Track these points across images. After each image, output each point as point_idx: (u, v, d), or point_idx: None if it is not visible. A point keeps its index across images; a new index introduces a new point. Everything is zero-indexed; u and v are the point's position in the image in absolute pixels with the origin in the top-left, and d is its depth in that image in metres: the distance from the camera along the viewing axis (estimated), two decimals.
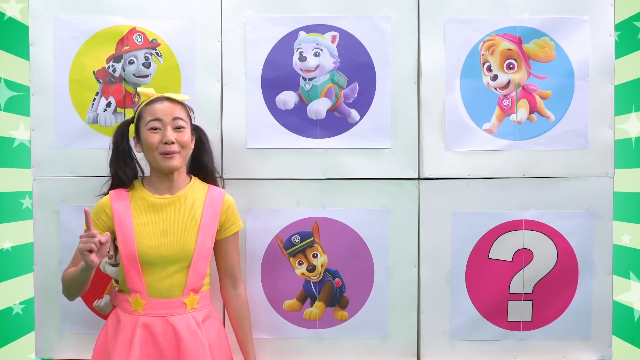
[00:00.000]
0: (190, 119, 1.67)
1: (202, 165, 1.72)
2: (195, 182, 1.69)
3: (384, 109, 1.88)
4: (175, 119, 1.58)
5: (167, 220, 1.59)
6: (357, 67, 1.88)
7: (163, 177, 1.62)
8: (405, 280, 1.90)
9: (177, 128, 1.58)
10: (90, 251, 1.42)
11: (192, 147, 1.68)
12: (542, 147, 1.88)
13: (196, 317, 1.59)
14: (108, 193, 1.64)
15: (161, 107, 1.58)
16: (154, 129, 1.56)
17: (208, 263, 1.64)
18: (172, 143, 1.56)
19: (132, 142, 1.66)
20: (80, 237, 1.44)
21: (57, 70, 1.90)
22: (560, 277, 1.89)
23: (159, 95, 1.64)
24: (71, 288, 1.60)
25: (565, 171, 1.89)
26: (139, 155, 1.69)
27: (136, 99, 1.90)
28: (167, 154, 1.55)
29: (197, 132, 1.72)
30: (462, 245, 1.89)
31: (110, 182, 1.69)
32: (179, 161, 1.59)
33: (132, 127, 1.65)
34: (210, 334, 1.62)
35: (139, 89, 1.69)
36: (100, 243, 1.43)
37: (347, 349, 1.91)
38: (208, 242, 1.62)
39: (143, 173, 1.72)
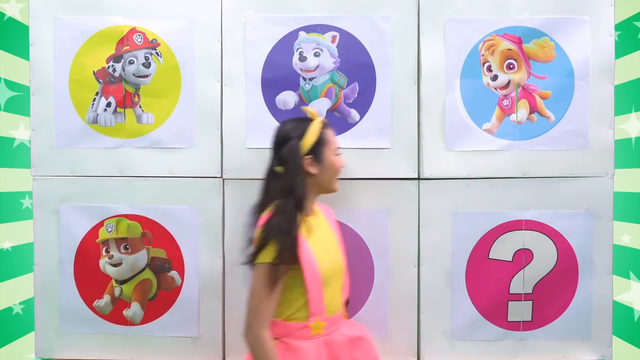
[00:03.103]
0: None
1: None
2: None
3: (384, 109, 1.88)
4: None
5: (323, 239, 1.59)
6: (357, 67, 1.88)
7: (315, 198, 1.64)
8: (405, 280, 1.90)
9: None
10: None
11: None
12: (542, 147, 1.88)
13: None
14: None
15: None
16: (337, 155, 1.64)
17: None
18: None
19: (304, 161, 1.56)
20: None
21: (57, 70, 1.91)
22: (560, 277, 1.89)
23: (323, 119, 1.64)
24: None
25: (565, 171, 1.89)
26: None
27: (136, 99, 1.90)
28: (338, 178, 1.64)
29: None
30: (462, 245, 1.89)
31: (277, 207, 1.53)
32: None
33: (306, 144, 1.55)
34: None
35: (306, 108, 1.69)
36: None
37: None
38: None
39: None
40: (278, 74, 1.89)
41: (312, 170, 1.57)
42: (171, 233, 1.91)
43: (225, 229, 1.90)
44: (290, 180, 1.53)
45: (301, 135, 1.56)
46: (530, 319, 1.90)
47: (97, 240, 1.91)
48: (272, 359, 1.45)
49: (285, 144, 1.55)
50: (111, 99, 1.90)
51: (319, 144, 1.58)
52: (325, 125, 1.62)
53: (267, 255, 1.45)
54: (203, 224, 1.90)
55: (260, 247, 1.47)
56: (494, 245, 1.89)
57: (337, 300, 1.59)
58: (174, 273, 1.91)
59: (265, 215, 1.52)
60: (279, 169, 1.56)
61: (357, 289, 1.89)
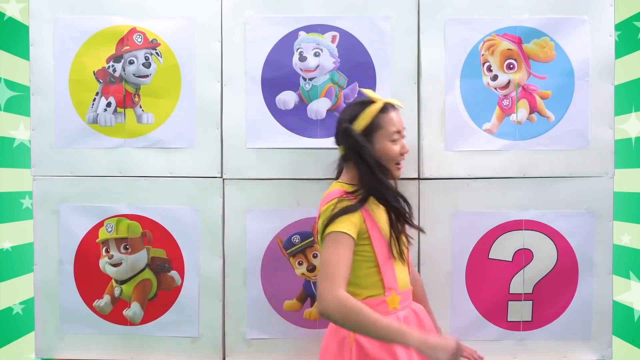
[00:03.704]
0: None
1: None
2: None
3: None
4: (404, 129, 1.61)
5: (382, 215, 1.54)
6: (357, 67, 1.88)
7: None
8: None
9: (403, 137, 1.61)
10: None
11: None
12: (542, 147, 1.88)
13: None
14: (359, 209, 1.48)
15: (399, 118, 1.58)
16: (394, 140, 1.56)
17: None
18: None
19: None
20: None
21: (57, 70, 1.91)
22: (560, 277, 1.89)
23: (393, 102, 1.59)
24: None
25: (565, 171, 1.89)
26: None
27: (136, 99, 1.90)
28: (399, 164, 1.59)
29: None
30: (462, 245, 1.89)
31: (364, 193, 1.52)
32: None
33: (356, 129, 1.54)
34: None
35: (366, 91, 1.62)
36: None
37: None
38: None
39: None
40: (278, 74, 1.89)
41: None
42: (171, 233, 1.91)
43: (225, 229, 1.90)
44: (364, 162, 1.52)
45: (352, 118, 1.55)
46: (530, 319, 1.90)
47: (97, 240, 1.91)
48: (359, 309, 1.36)
49: (339, 126, 1.58)
50: (111, 99, 1.90)
51: (371, 129, 1.54)
52: (385, 110, 1.56)
53: (339, 225, 1.43)
54: (203, 224, 1.90)
55: (332, 218, 1.45)
56: (494, 245, 1.89)
57: (405, 274, 1.58)
58: (174, 273, 1.91)
59: (335, 190, 1.52)
60: (340, 149, 1.60)
61: None
